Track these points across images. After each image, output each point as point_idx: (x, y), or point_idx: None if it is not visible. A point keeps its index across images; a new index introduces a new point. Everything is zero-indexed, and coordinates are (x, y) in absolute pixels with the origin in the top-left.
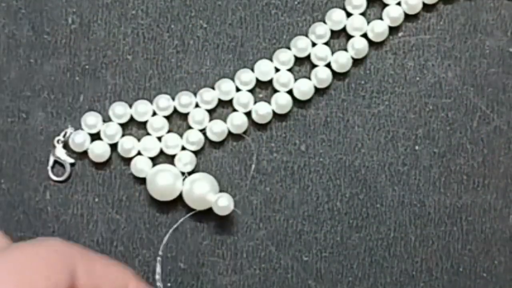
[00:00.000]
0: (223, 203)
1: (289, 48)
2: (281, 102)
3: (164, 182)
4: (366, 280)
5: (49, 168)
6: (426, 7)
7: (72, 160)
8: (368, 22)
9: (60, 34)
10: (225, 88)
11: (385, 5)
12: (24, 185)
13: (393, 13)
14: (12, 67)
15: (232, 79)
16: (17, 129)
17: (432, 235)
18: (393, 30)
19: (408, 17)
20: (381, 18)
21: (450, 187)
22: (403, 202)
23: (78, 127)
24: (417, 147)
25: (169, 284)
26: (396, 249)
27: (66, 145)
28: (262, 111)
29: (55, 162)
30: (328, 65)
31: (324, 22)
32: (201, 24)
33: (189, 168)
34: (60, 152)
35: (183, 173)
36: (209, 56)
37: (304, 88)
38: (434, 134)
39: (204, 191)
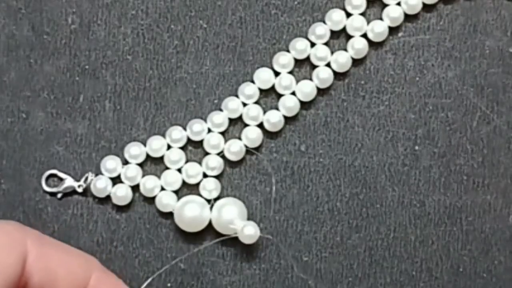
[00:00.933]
0: (249, 232)
1: (287, 51)
2: (289, 104)
3: (192, 213)
4: (366, 280)
5: (43, 178)
6: (426, 7)
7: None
8: (368, 22)
9: (60, 34)
10: (232, 106)
11: (385, 5)
12: (24, 185)
13: (393, 13)
14: (12, 67)
15: (236, 95)
16: (17, 129)
17: (432, 235)
18: (393, 30)
19: (408, 17)
20: (381, 19)
21: (450, 187)
22: (403, 202)
23: (94, 170)
24: (417, 147)
25: (169, 285)
26: (396, 249)
27: (86, 190)
28: (274, 119)
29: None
30: (328, 65)
31: (324, 22)
32: (201, 24)
33: (214, 194)
34: (67, 185)
35: (209, 201)
36: (209, 56)
37: (306, 90)
38: (434, 134)
39: (232, 217)
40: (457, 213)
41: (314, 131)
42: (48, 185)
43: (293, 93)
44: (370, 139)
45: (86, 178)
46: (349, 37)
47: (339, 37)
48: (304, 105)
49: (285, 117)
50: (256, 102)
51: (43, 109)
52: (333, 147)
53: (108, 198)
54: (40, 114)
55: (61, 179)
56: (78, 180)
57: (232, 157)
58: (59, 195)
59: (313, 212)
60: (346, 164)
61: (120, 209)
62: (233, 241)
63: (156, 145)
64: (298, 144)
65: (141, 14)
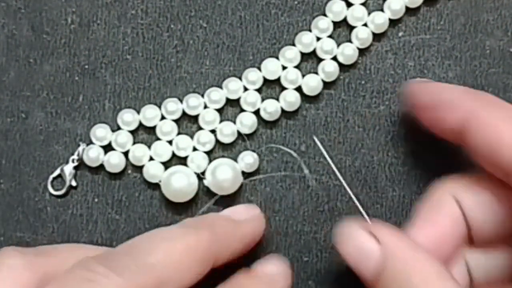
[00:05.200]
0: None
1: (293, 45)
2: (290, 99)
3: (179, 183)
4: None
5: (49, 180)
6: (427, 2)
7: (74, 184)
8: (369, 14)
9: (60, 34)
10: (232, 87)
11: None
12: (24, 185)
13: (394, 6)
14: (12, 67)
15: (240, 78)
16: (16, 129)
17: None
18: (393, 23)
19: (408, 15)
20: (382, 10)
21: None
22: (403, 202)
23: (86, 141)
24: (417, 147)
25: None
26: None
27: (81, 163)
28: (271, 108)
29: (58, 176)
30: (334, 58)
31: (325, 15)
32: (201, 24)
33: (202, 168)
34: (68, 171)
35: (197, 175)
36: (209, 56)
37: (312, 84)
38: (434, 134)
39: (227, 176)
40: None
41: (314, 131)
42: (52, 186)
43: (299, 88)
44: (370, 139)
45: (78, 152)
46: (351, 28)
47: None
48: (305, 104)
49: (285, 111)
50: (258, 91)
51: (43, 109)
52: (333, 147)
53: (102, 167)
54: (39, 114)
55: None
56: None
57: (224, 139)
58: (63, 191)
59: (313, 212)
60: (346, 164)
61: (120, 209)
62: None
63: (149, 114)
64: (298, 144)
65: (140, 14)
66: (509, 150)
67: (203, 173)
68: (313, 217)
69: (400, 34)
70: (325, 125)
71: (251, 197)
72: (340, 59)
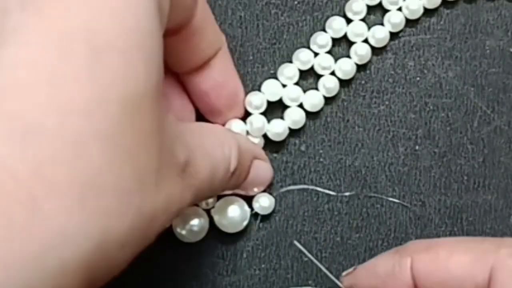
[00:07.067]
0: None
1: (290, 59)
2: (295, 118)
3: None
4: None
5: None
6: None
7: None
8: (369, 28)
9: None
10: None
11: (386, 10)
12: None
13: (394, 19)
14: None
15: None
16: None
17: (432, 235)
18: (394, 35)
19: (408, 22)
20: (382, 24)
21: (450, 187)
22: (403, 202)
23: None
24: (417, 147)
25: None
26: None
27: None
28: (278, 129)
29: None
30: (332, 74)
31: (325, 30)
32: None
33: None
34: None
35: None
36: None
37: (314, 101)
38: (434, 134)
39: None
40: (457, 213)
41: (314, 131)
42: None
43: (301, 105)
44: (370, 139)
45: None
46: (350, 43)
47: (341, 44)
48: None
49: (290, 129)
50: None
51: None
52: (333, 147)
53: None
54: None
55: None
56: None
57: None
58: None
59: (313, 212)
60: (346, 164)
61: None
62: (233, 240)
63: None
64: (298, 144)
65: None
66: None
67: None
68: (313, 217)
69: (400, 34)
70: (325, 125)
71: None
72: (339, 74)
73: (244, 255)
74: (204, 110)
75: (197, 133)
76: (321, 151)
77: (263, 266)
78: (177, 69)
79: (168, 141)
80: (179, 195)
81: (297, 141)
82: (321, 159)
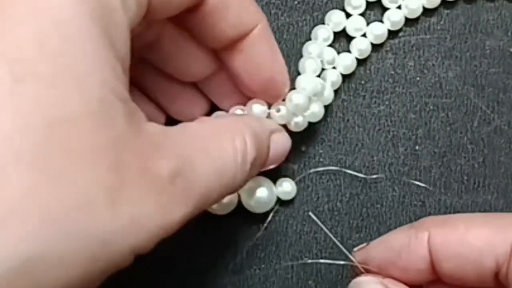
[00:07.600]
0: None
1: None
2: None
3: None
4: None
5: None
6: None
7: None
8: (368, 25)
9: None
10: None
11: (385, 8)
12: None
13: (394, 17)
14: None
15: None
16: None
17: None
18: (393, 33)
19: (408, 21)
20: (381, 21)
21: (450, 187)
22: (403, 202)
23: None
24: (417, 147)
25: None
26: None
27: None
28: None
29: None
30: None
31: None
32: None
33: None
34: None
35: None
36: None
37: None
38: (434, 134)
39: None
40: (457, 213)
41: (314, 131)
42: None
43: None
44: (370, 139)
45: None
46: (349, 39)
47: (340, 39)
48: None
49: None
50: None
51: None
52: (333, 147)
53: None
54: None
55: None
56: None
57: None
58: None
59: (313, 212)
60: (346, 164)
61: None
62: (233, 240)
63: None
64: (298, 144)
65: None
66: None
67: None
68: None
69: (400, 34)
70: (325, 125)
71: None
72: (340, 69)
73: (244, 255)
74: (243, 90)
75: (198, 135)
76: (321, 151)
77: (263, 266)
78: (209, 45)
79: (139, 153)
80: (159, 212)
81: (297, 141)
82: (321, 159)
